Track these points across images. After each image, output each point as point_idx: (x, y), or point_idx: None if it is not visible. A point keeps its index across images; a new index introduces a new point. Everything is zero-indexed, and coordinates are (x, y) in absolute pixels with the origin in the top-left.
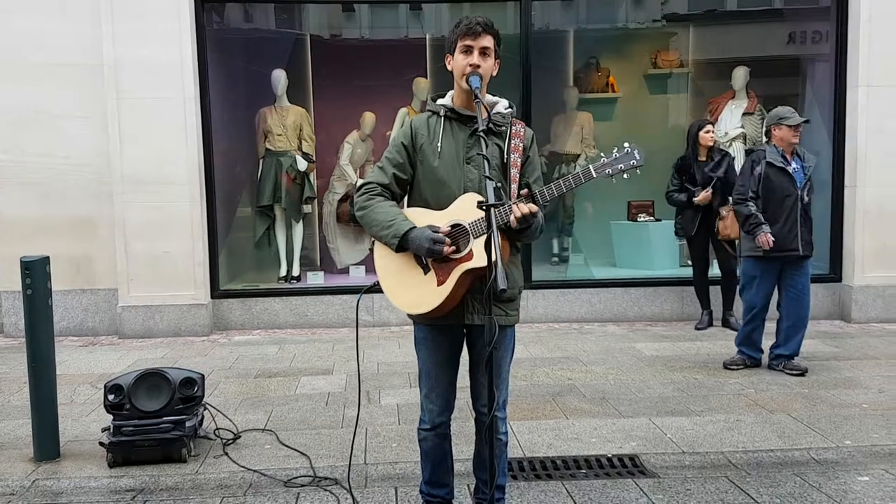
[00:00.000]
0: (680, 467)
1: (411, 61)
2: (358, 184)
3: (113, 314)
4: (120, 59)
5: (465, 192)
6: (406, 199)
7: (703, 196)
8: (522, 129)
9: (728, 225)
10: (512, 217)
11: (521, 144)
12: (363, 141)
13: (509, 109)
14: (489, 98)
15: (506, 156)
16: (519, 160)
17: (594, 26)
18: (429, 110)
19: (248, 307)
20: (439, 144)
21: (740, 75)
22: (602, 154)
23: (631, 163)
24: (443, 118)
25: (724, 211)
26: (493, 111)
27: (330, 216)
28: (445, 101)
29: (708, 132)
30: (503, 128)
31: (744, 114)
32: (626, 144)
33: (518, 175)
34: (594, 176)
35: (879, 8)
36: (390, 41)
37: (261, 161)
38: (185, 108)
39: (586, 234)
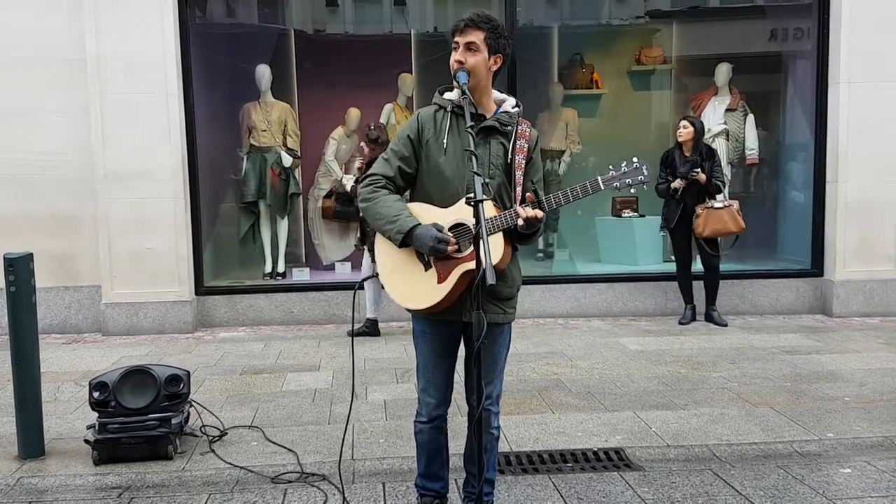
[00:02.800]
0: (665, 460)
1: (396, 57)
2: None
3: (96, 311)
4: (102, 54)
5: (467, 191)
6: (409, 192)
7: (677, 183)
8: (528, 130)
9: (700, 223)
10: (520, 220)
11: (526, 145)
12: (348, 137)
13: (516, 108)
14: (497, 95)
15: (510, 156)
16: (523, 161)
17: (578, 23)
18: (436, 104)
19: (232, 304)
20: (445, 141)
21: (723, 72)
22: (611, 165)
23: (638, 178)
24: (449, 114)
25: (699, 209)
26: (500, 110)
27: (315, 212)
28: (453, 95)
29: (678, 129)
30: (509, 127)
31: (727, 110)
32: (634, 159)
33: (522, 177)
34: (602, 188)
35: (860, 5)
36: (375, 36)
37: (245, 157)
38: (168, 104)
39: (571, 230)
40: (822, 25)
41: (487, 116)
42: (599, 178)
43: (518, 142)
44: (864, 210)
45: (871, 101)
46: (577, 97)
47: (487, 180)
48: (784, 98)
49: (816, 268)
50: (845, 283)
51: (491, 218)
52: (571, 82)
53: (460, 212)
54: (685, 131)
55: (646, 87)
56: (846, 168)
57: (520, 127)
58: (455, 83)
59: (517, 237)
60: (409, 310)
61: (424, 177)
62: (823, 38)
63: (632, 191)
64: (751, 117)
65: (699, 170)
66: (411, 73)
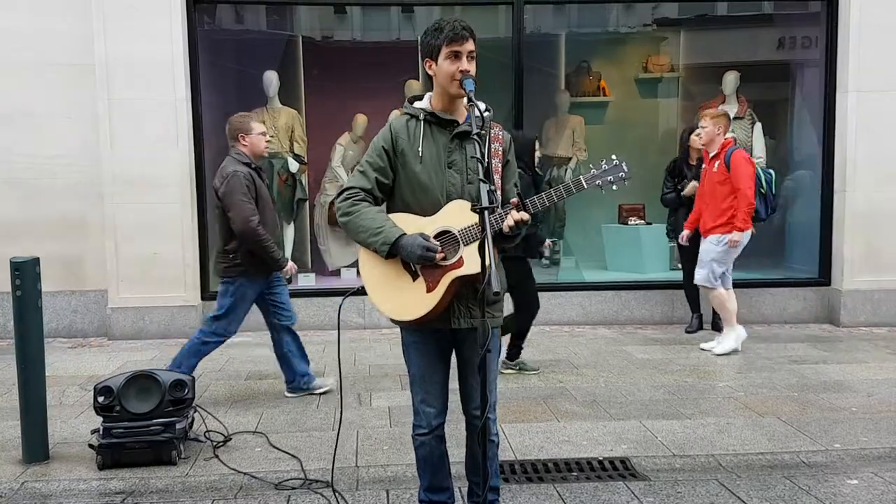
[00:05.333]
0: (671, 470)
1: (403, 64)
2: (339, 189)
3: (102, 315)
4: (111, 59)
5: (447, 197)
6: (385, 204)
7: (689, 188)
8: (501, 133)
9: None
10: (505, 224)
11: (500, 149)
12: (355, 143)
13: (487, 112)
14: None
15: (486, 160)
16: (500, 165)
17: (586, 30)
18: (407, 113)
19: None
20: (420, 149)
21: (730, 80)
22: (591, 164)
23: (619, 175)
24: (422, 122)
25: None
26: (474, 115)
27: (321, 218)
28: (423, 104)
29: (697, 135)
30: (482, 131)
31: (734, 118)
32: (613, 157)
33: (500, 180)
34: (585, 187)
35: (869, 14)
36: (382, 43)
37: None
38: (177, 109)
39: (577, 238)
40: (831, 34)
41: (460, 122)
42: (581, 178)
43: (493, 146)
44: (872, 219)
45: (880, 109)
46: (583, 104)
47: (467, 185)
48: (792, 106)
49: (824, 277)
50: (853, 293)
51: (475, 223)
52: (578, 90)
53: (444, 219)
54: (698, 139)
55: (653, 95)
56: (854, 177)
57: (493, 131)
58: (458, 91)
59: (501, 239)
60: (397, 321)
61: (402, 186)
62: (832, 47)
63: (614, 188)
64: (758, 126)
65: None
66: (418, 80)
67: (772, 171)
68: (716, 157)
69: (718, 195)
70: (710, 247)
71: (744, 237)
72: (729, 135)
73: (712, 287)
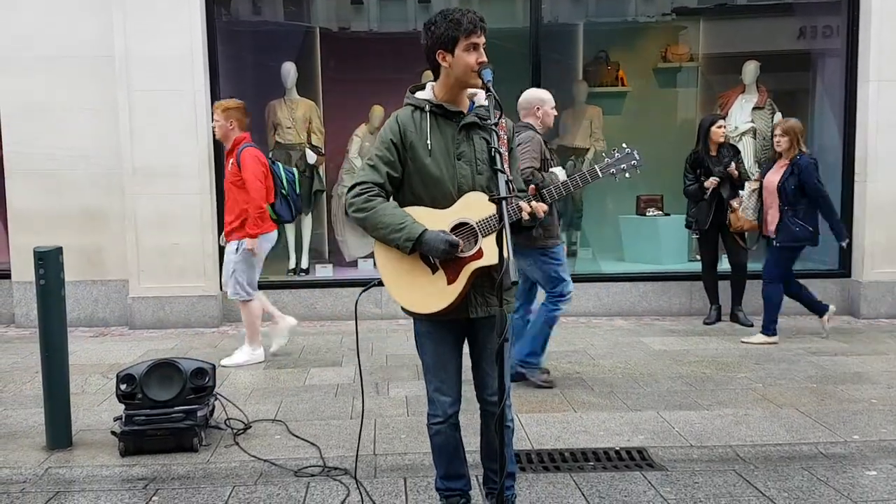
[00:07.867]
0: (688, 460)
1: (420, 54)
2: (350, 184)
3: (123, 305)
4: (130, 50)
5: (458, 189)
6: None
7: (711, 181)
8: (505, 121)
9: (740, 216)
10: (524, 214)
11: (505, 137)
12: (372, 134)
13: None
14: (469, 90)
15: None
16: (507, 153)
17: (604, 20)
18: (410, 104)
19: None
20: (429, 141)
21: (750, 70)
22: (605, 154)
23: (631, 163)
24: (428, 113)
25: (735, 203)
26: (477, 105)
27: (339, 209)
28: (426, 94)
29: (720, 127)
30: (488, 121)
31: (754, 108)
32: (624, 145)
33: (509, 169)
34: (600, 176)
35: (891, 2)
36: (399, 34)
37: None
38: (195, 101)
39: (595, 228)
40: (852, 23)
41: (465, 112)
42: (596, 167)
43: (499, 134)
44: (893, 210)
45: None
46: (602, 95)
47: (477, 176)
48: (812, 96)
49: (844, 268)
50: (873, 284)
51: (492, 215)
52: (596, 80)
53: (460, 211)
54: (721, 131)
55: (672, 85)
56: (875, 167)
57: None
58: (478, 80)
59: (519, 228)
60: (419, 314)
61: (412, 179)
62: (853, 36)
63: (627, 176)
64: (778, 116)
65: (733, 164)
66: None
67: (294, 170)
68: (230, 153)
69: (235, 196)
70: (229, 256)
71: (261, 242)
72: (748, 124)
73: (248, 299)
